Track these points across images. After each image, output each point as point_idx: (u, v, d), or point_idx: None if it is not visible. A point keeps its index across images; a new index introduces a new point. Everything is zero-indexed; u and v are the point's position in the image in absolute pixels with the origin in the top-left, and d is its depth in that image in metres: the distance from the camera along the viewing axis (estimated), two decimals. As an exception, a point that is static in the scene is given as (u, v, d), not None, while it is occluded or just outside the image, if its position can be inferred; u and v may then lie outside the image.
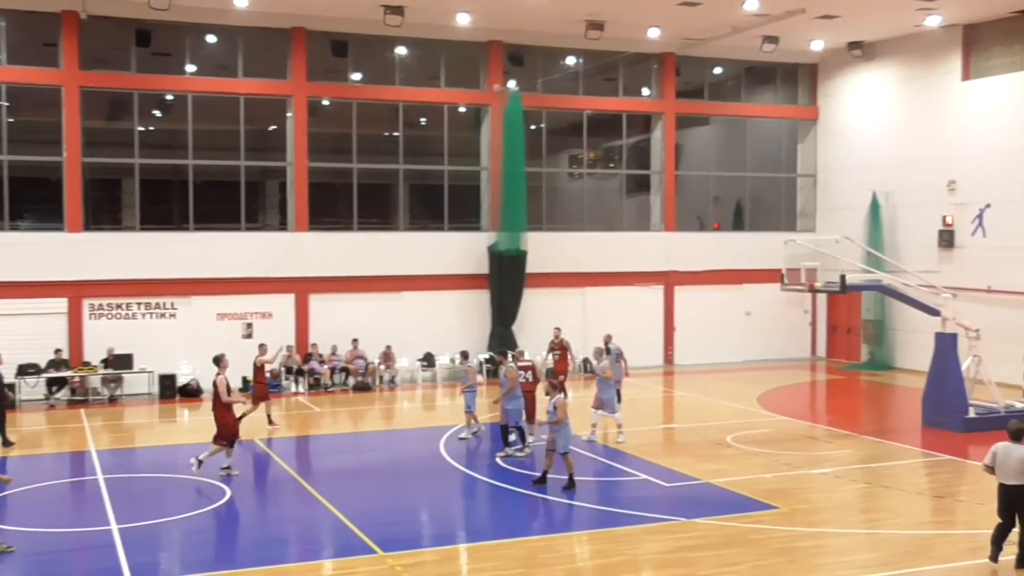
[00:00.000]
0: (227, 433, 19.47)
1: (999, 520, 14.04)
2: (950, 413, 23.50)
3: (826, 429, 24.35)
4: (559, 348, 26.97)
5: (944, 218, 32.16)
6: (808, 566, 14.18)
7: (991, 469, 14.07)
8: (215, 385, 19.44)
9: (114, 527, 15.89)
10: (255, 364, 24.07)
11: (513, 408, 21.10)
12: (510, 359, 22.26)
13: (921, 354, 28.32)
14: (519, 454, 20.96)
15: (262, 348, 24.65)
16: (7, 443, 22.28)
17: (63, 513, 17.50)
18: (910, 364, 32.59)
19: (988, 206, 30.90)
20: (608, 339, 25.57)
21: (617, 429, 22.75)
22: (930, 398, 24.20)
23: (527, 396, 21.58)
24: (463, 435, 23.14)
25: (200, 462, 19.37)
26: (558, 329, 27.76)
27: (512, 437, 21.28)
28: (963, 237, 31.68)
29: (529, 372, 22.09)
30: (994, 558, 13.93)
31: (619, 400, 23.92)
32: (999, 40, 31.08)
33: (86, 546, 15.33)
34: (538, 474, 18.73)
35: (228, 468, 19.53)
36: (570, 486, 18.15)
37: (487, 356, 32.03)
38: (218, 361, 19.74)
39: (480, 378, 31.54)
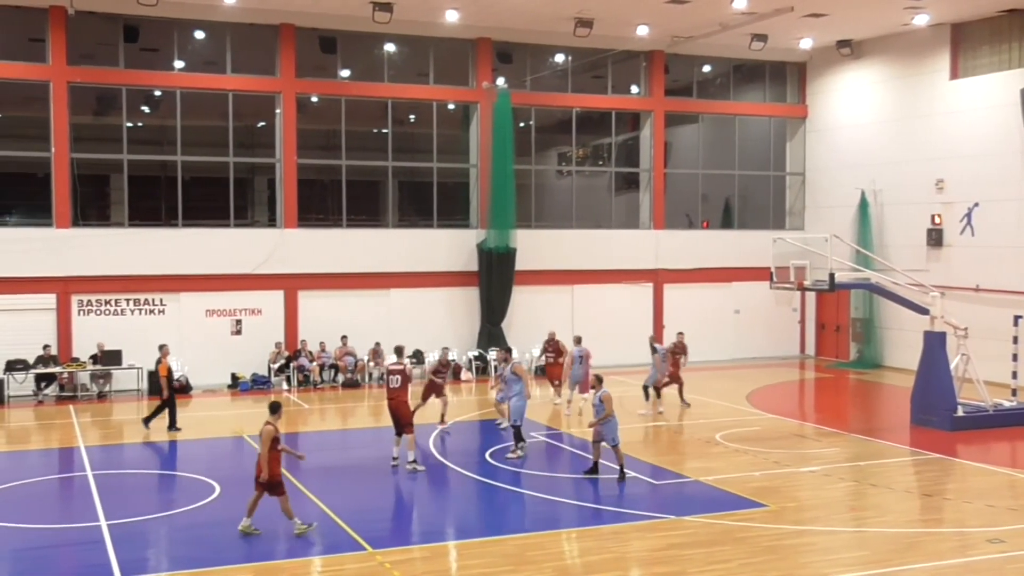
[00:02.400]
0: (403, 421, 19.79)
1: None
2: (938, 411, 23.57)
3: (815, 427, 24.41)
4: (680, 351, 26.67)
5: (932, 217, 32.23)
6: (796, 564, 14.22)
7: None
8: (405, 374, 19.76)
9: (103, 523, 15.87)
10: (441, 361, 24.00)
11: (516, 406, 21.01)
12: (515, 356, 22.89)
13: (909, 352, 28.44)
14: (510, 455, 20.73)
15: (445, 352, 24.80)
16: (174, 427, 23.53)
17: (52, 509, 17.48)
18: (898, 362, 32.70)
19: (976, 205, 30.99)
20: (653, 339, 27.52)
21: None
22: (918, 396, 24.27)
23: (552, 368, 26.82)
24: (503, 425, 23.45)
25: (415, 464, 19.55)
26: (682, 333, 27.20)
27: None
28: (951, 236, 31.77)
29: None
30: None
31: (659, 396, 25.65)
32: (987, 39, 31.16)
33: (75, 542, 15.30)
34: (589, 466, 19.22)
35: (414, 463, 19.63)
36: (621, 477, 18.64)
37: (476, 354, 32.08)
38: (400, 352, 20.48)
39: (468, 375, 31.74)
